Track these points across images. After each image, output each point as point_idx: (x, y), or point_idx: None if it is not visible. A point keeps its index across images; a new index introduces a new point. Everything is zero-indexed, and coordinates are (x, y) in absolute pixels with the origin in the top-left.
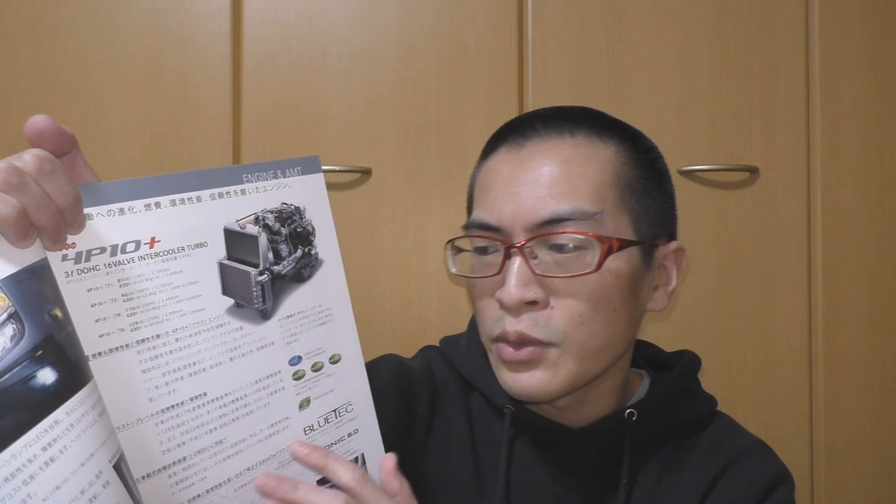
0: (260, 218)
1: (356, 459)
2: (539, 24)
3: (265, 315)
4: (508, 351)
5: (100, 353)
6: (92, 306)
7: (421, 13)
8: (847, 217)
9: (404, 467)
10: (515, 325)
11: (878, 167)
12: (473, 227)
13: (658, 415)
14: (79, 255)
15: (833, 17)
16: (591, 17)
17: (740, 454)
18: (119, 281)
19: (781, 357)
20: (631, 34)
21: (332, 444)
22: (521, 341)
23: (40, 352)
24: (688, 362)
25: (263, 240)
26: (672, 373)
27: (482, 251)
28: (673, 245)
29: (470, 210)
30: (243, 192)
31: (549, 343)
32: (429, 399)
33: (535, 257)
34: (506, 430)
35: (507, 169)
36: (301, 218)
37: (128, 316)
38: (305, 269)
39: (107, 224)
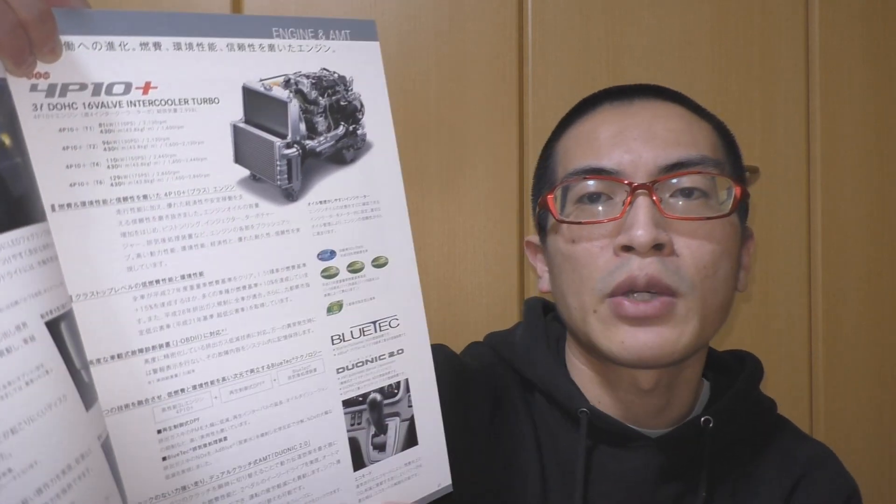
0: (292, 81)
1: (398, 384)
2: (539, 24)
3: (290, 195)
4: (632, 306)
5: (68, 205)
6: (63, 149)
7: (421, 13)
8: (847, 217)
9: (466, 474)
10: (646, 268)
11: (877, 167)
12: (581, 173)
13: (732, 423)
14: (52, 87)
15: (833, 17)
16: (591, 17)
17: (812, 466)
18: (101, 125)
19: (781, 357)
20: (631, 34)
21: (366, 360)
22: (651, 285)
23: None
24: (753, 369)
25: (295, 107)
26: (740, 379)
27: (593, 199)
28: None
29: (544, 184)
30: (271, 47)
31: (677, 292)
32: (489, 403)
33: (661, 201)
34: (583, 436)
35: (617, 122)
36: (346, 90)
37: (108, 168)
38: (348, 150)
39: (91, 58)
